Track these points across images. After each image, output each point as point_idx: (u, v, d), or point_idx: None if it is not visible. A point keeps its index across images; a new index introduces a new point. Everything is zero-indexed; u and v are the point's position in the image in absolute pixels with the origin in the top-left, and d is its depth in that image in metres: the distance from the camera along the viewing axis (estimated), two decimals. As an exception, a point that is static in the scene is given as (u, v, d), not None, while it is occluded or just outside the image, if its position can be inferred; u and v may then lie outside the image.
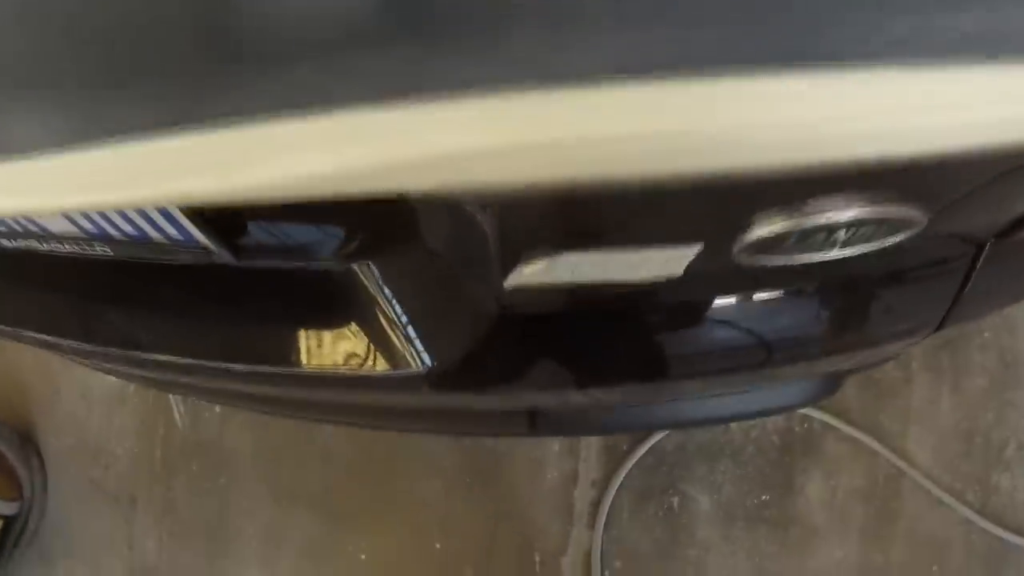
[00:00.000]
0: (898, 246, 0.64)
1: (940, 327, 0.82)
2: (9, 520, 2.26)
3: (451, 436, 1.96)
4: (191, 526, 2.24)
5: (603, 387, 0.84)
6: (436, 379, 0.80)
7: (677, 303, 0.75)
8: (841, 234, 0.55)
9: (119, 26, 0.40)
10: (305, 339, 0.84)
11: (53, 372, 2.35)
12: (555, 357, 0.79)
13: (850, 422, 1.84)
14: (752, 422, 1.90)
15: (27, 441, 2.35)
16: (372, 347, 0.80)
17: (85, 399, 2.33)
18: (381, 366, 0.80)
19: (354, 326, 0.81)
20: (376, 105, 0.37)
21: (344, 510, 2.13)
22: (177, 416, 2.24)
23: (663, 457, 1.94)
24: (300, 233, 0.76)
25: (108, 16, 0.40)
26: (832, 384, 1.20)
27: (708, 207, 0.56)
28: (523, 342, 0.78)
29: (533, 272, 0.59)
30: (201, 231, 0.71)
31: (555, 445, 2.00)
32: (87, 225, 0.78)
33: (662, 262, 0.59)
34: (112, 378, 2.22)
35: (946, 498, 1.78)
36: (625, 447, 1.95)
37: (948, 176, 0.55)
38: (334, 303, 0.82)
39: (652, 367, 0.80)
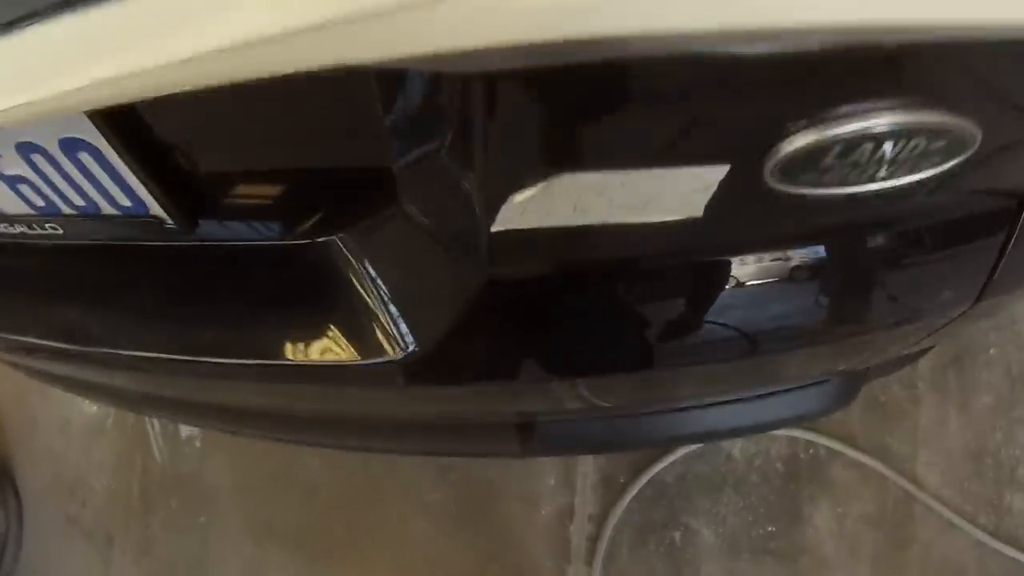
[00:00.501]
0: (939, 196, 0.59)
1: (979, 299, 0.76)
2: (-15, 554, 2.22)
3: (436, 456, 1.91)
4: (169, 565, 2.17)
5: (600, 376, 0.77)
6: (417, 367, 0.73)
7: (688, 267, 0.67)
8: (888, 149, 0.49)
9: None
10: (275, 327, 0.78)
11: (31, 404, 2.32)
12: (545, 341, 0.73)
13: (856, 446, 1.79)
14: (755, 450, 1.85)
15: (2, 475, 2.32)
16: (348, 332, 0.74)
17: (63, 433, 2.28)
18: (358, 353, 0.73)
19: (327, 311, 0.75)
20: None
21: (327, 549, 2.07)
22: (156, 450, 2.18)
23: (663, 489, 1.88)
24: (259, 200, 0.71)
25: None
26: (849, 390, 1.14)
27: (727, 111, 0.49)
28: (510, 322, 0.71)
29: (527, 201, 0.52)
30: (152, 194, 0.65)
31: (550, 478, 1.94)
32: (37, 200, 0.73)
33: (678, 196, 0.52)
34: (90, 411, 2.20)
35: (958, 521, 1.72)
36: (623, 479, 1.90)
37: (987, 77, 0.49)
38: (305, 287, 0.77)
39: (656, 351, 0.73)
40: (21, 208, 0.75)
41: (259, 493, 2.11)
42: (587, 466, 1.92)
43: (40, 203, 0.73)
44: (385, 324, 0.71)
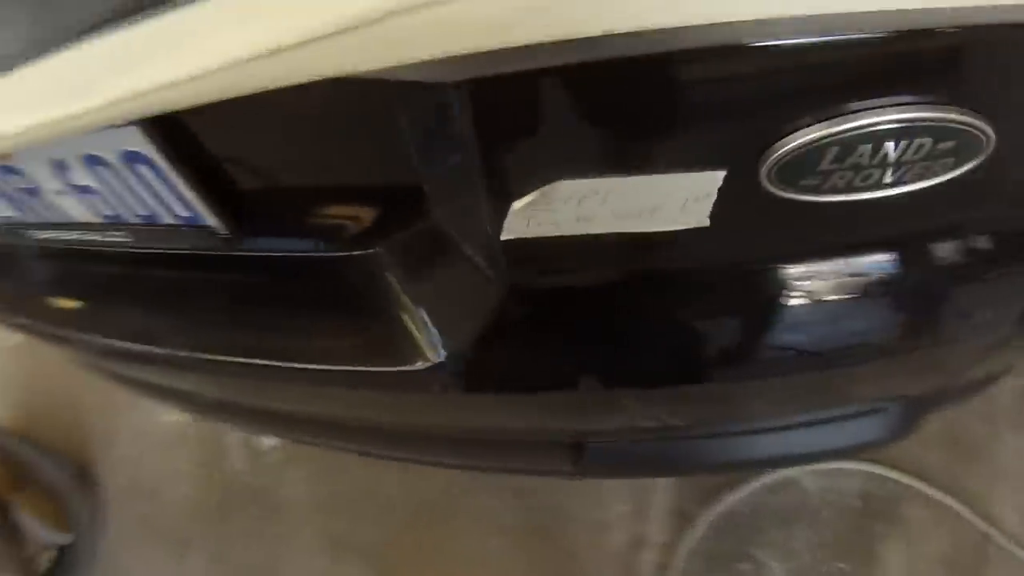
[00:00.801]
0: (962, 209, 0.57)
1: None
2: (62, 551, 2.29)
3: (489, 471, 1.90)
4: (242, 573, 2.20)
5: (629, 387, 0.77)
6: (451, 373, 0.76)
7: (709, 272, 0.66)
8: (890, 150, 0.48)
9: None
10: (317, 334, 0.82)
11: (114, 414, 2.39)
12: (571, 347, 0.74)
13: (932, 484, 1.73)
14: (828, 484, 1.81)
15: (84, 479, 2.38)
16: (387, 340, 0.77)
17: (144, 439, 2.35)
18: (395, 360, 0.77)
19: (365, 318, 0.78)
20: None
21: (398, 565, 2.08)
22: (236, 461, 2.24)
23: (735, 521, 1.85)
24: (302, 212, 0.75)
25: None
26: (908, 419, 1.11)
27: (717, 113, 0.49)
28: (536, 331, 0.73)
29: (528, 210, 0.54)
30: (203, 204, 0.70)
31: (621, 505, 1.93)
32: (105, 209, 0.79)
33: (679, 204, 0.53)
34: (172, 420, 2.27)
35: (1036, 564, 1.65)
36: (696, 509, 1.87)
37: (997, 72, 0.48)
38: (343, 296, 0.80)
39: (672, 363, 0.73)
40: (91, 216, 0.80)
41: (335, 507, 2.13)
42: (660, 495, 1.91)
43: (108, 212, 0.79)
44: (421, 332, 0.74)
